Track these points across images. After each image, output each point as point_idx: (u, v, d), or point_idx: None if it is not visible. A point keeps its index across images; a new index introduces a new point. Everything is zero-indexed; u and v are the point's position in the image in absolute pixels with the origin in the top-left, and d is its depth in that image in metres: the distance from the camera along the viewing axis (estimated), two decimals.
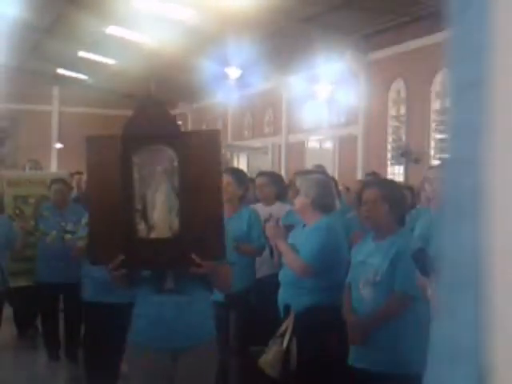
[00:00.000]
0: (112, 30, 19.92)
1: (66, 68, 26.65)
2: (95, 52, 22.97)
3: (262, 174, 6.99)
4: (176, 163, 3.47)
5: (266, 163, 21.83)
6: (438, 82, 16.15)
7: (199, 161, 3.45)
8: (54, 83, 29.44)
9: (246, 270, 5.47)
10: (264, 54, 18.11)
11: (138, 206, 3.46)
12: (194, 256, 3.40)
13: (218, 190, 3.54)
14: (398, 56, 17.60)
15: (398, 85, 18.12)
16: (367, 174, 9.10)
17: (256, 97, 23.80)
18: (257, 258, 5.82)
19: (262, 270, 5.87)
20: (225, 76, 20.39)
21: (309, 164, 16.12)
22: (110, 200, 3.44)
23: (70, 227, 6.89)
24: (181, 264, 3.49)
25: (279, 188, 6.48)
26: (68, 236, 6.80)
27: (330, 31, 17.38)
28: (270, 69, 20.18)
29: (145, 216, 3.46)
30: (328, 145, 21.71)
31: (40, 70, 26.99)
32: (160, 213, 3.47)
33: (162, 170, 3.49)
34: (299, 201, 4.70)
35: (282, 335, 4.46)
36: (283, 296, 4.64)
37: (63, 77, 28.06)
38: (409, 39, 16.89)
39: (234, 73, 20.20)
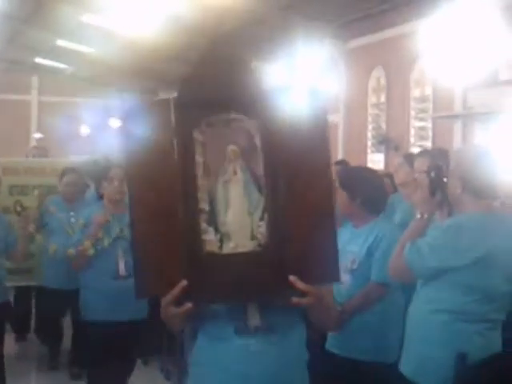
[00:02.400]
0: (90, 18, 19.65)
1: (44, 57, 26.18)
2: (74, 41, 22.63)
3: None
4: (258, 140, 2.25)
5: None
6: (418, 69, 16.12)
7: (295, 137, 2.23)
8: (33, 73, 28.94)
9: None
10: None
11: (204, 206, 2.25)
12: (294, 279, 2.20)
13: (326, 179, 2.26)
14: (377, 44, 17.29)
15: (378, 72, 17.58)
16: (336, 163, 9.11)
17: None
18: None
19: None
20: None
21: None
22: (160, 198, 2.24)
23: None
24: (274, 291, 2.25)
25: None
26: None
27: (310, 19, 17.29)
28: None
29: (214, 220, 2.26)
30: None
31: (18, 59, 26.35)
32: (237, 214, 2.28)
33: (238, 150, 2.30)
34: None
35: None
36: None
37: (42, 66, 27.28)
38: (388, 27, 16.54)
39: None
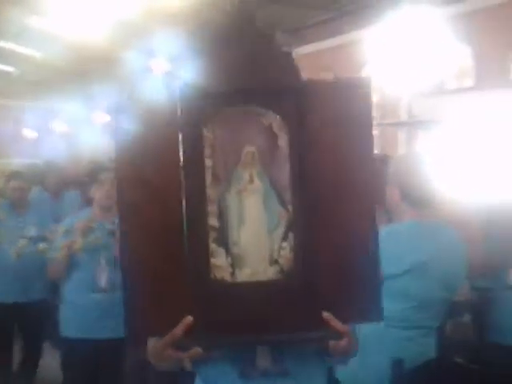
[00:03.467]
0: (36, 21, 19.16)
1: None
2: (20, 43, 22.10)
3: None
4: (284, 141, 1.73)
5: None
6: (364, 75, 16.04)
7: (334, 140, 1.72)
8: None
9: None
10: (193, 47, 17.71)
11: (213, 221, 1.73)
12: (329, 317, 1.71)
13: (369, 194, 1.73)
14: (325, 51, 17.22)
15: None
16: None
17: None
18: None
19: None
20: (152, 70, 19.88)
21: None
22: (158, 211, 1.71)
23: (33, 233, 5.17)
24: (300, 331, 1.71)
25: None
26: (42, 246, 4.87)
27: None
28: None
29: (225, 239, 1.74)
30: None
31: None
32: (253, 233, 1.75)
33: (256, 152, 1.77)
34: None
35: None
36: None
37: None
38: (336, 34, 16.64)
39: (161, 66, 19.70)
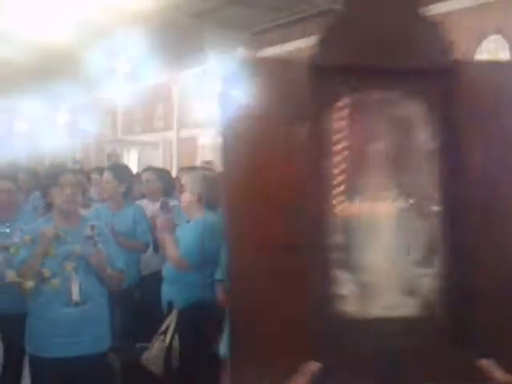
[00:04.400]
0: None
1: None
2: None
3: (148, 169, 6.79)
4: (428, 136, 1.33)
5: (156, 158, 20.97)
6: None
7: (492, 132, 1.30)
8: None
9: (131, 267, 5.12)
10: (155, 48, 17.38)
11: (337, 238, 1.32)
12: (489, 365, 1.28)
13: None
14: (286, 54, 17.20)
15: None
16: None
17: (147, 90, 21.95)
18: (142, 256, 5.63)
19: (148, 267, 5.68)
20: (114, 70, 19.46)
21: (201, 159, 15.60)
22: (269, 222, 1.25)
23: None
24: (449, 381, 1.28)
25: (166, 184, 6.23)
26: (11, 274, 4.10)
27: (222, 27, 16.85)
28: (161, 63, 19.42)
29: (351, 262, 1.33)
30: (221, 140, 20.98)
31: None
32: (386, 254, 1.33)
33: (390, 152, 1.34)
34: (184, 197, 4.66)
35: (165, 332, 4.36)
36: (166, 292, 4.59)
37: None
38: (298, 37, 16.51)
39: (123, 67, 19.29)
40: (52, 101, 24.22)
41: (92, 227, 3.85)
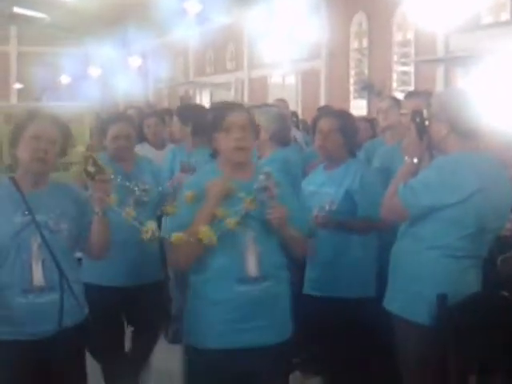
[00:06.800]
0: None
1: (22, 7, 25.32)
2: None
3: None
4: None
5: (228, 99, 21.12)
6: (400, 13, 15.42)
7: None
8: (12, 23, 27.90)
9: None
10: None
11: None
12: None
13: None
14: None
15: (360, 17, 16.66)
16: (319, 109, 8.54)
17: (217, 32, 21.85)
18: None
19: None
20: (184, 11, 19.41)
21: (271, 99, 15.60)
22: None
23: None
24: None
25: None
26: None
27: None
28: (231, 3, 19.28)
29: None
30: (291, 79, 20.23)
31: None
32: None
33: None
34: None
35: None
36: None
37: (20, 16, 26.50)
38: None
39: (193, 8, 19.23)
40: (124, 45, 24.43)
41: (267, 175, 2.91)
